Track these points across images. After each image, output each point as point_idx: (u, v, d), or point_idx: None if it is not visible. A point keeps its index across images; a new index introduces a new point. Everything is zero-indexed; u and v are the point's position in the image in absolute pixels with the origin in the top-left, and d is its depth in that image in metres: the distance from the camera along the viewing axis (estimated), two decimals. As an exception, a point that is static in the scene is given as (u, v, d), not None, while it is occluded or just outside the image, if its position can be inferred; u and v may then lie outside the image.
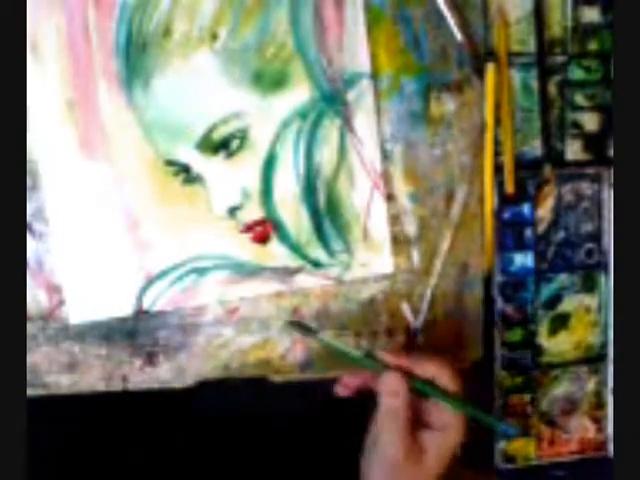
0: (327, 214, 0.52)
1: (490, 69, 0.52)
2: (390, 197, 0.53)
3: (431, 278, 0.54)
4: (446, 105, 0.53)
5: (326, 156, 0.52)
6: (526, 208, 0.55)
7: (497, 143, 0.54)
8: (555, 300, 0.57)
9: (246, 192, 0.51)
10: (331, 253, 0.53)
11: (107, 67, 0.48)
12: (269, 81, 0.50)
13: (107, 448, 0.53)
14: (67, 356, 0.52)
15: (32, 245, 0.50)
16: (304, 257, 0.53)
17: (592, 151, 0.55)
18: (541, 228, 0.55)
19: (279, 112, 0.51)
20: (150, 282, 0.51)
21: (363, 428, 0.48)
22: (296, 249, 0.52)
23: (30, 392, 0.51)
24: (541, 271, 0.56)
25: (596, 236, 0.56)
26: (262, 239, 0.52)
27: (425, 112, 0.53)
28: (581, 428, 0.59)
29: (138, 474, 0.52)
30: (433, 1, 0.51)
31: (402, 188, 0.53)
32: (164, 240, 0.51)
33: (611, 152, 0.55)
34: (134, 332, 0.52)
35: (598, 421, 0.59)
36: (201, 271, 0.52)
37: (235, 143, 0.50)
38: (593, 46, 0.54)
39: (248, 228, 0.52)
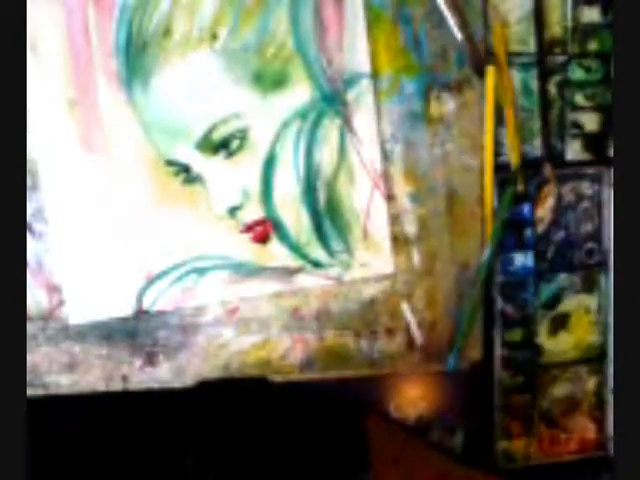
0: (327, 214, 0.52)
1: (490, 71, 0.52)
2: (390, 197, 0.53)
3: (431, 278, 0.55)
4: (446, 105, 0.53)
5: (326, 156, 0.52)
6: (526, 208, 0.55)
7: (497, 143, 0.54)
8: (555, 300, 0.57)
9: (246, 192, 0.51)
10: (331, 253, 0.53)
11: (107, 67, 0.49)
12: (269, 81, 0.50)
13: (107, 448, 0.53)
14: (67, 356, 0.52)
15: (32, 245, 0.50)
16: (304, 257, 0.53)
17: (592, 151, 0.55)
18: (541, 228, 0.55)
19: (279, 112, 0.51)
20: (150, 282, 0.51)
21: (363, 428, 0.48)
22: (296, 249, 0.52)
23: (30, 392, 0.51)
24: (541, 271, 0.56)
25: (596, 236, 0.56)
26: (262, 239, 0.52)
27: (425, 112, 0.53)
28: (581, 428, 0.59)
29: (138, 474, 0.52)
30: (433, 1, 0.51)
31: (402, 188, 0.53)
32: (164, 240, 0.51)
33: (611, 152, 0.55)
34: (134, 332, 0.52)
35: (598, 421, 0.59)
36: (201, 271, 0.52)
37: (235, 143, 0.50)
38: (593, 46, 0.54)
39: (248, 228, 0.52)
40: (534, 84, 0.54)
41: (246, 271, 0.52)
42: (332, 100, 0.51)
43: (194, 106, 0.49)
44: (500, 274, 0.55)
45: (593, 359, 0.58)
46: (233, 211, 0.51)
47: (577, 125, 0.55)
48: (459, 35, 0.51)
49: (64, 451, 0.53)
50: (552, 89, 0.54)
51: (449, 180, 0.54)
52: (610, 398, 0.58)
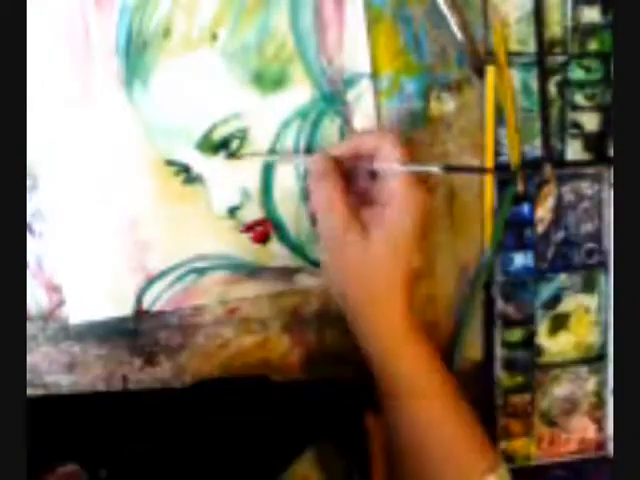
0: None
1: (490, 71, 0.52)
2: (390, 197, 0.53)
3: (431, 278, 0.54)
4: (446, 105, 0.53)
5: (326, 156, 0.52)
6: (526, 208, 0.55)
7: (497, 143, 0.54)
8: (555, 300, 0.57)
9: (246, 192, 0.51)
10: (331, 253, 0.53)
11: (107, 67, 0.48)
12: (269, 81, 0.50)
13: (107, 448, 0.53)
14: (67, 356, 0.52)
15: (32, 245, 0.50)
16: (304, 257, 0.53)
17: (592, 151, 0.55)
18: (541, 228, 0.55)
19: (279, 112, 0.51)
20: (150, 282, 0.51)
21: (362, 428, 0.48)
22: (296, 249, 0.52)
23: (30, 392, 0.51)
24: (541, 271, 0.56)
25: (596, 236, 0.56)
26: (262, 239, 0.52)
27: (425, 112, 0.53)
28: (581, 428, 0.59)
29: (138, 474, 0.52)
30: (433, 1, 0.51)
31: (402, 188, 0.53)
32: (164, 240, 0.51)
33: (611, 152, 0.55)
34: (134, 332, 0.52)
35: (598, 421, 0.59)
36: (201, 271, 0.52)
37: (235, 143, 0.50)
38: (593, 46, 0.54)
39: (248, 228, 0.52)
40: (534, 84, 0.54)
41: (246, 271, 0.52)
42: (332, 100, 0.51)
43: (194, 106, 0.49)
44: (500, 274, 0.55)
45: (593, 359, 0.58)
46: (233, 211, 0.51)
47: (577, 125, 0.55)
48: (459, 35, 0.51)
49: (64, 451, 0.53)
50: (552, 89, 0.54)
51: (449, 180, 0.54)
52: (610, 398, 0.58)
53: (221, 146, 0.50)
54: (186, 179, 0.51)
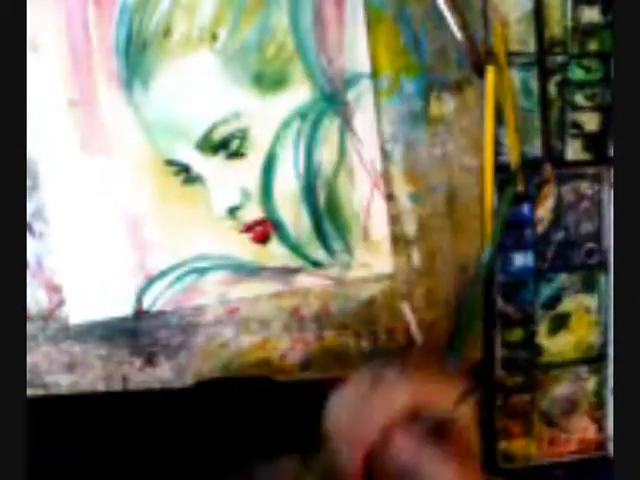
0: (327, 214, 0.52)
1: (490, 71, 0.52)
2: (390, 197, 0.53)
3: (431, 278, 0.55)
4: (446, 105, 0.53)
5: (326, 156, 0.52)
6: (526, 208, 0.55)
7: (497, 143, 0.54)
8: (555, 300, 0.57)
9: (246, 192, 0.51)
10: (331, 253, 0.53)
11: (107, 67, 0.49)
12: (269, 81, 0.50)
13: (107, 448, 0.53)
14: (67, 356, 0.52)
15: (32, 245, 0.50)
16: (304, 257, 0.53)
17: (592, 151, 0.55)
18: (541, 228, 0.55)
19: (279, 112, 0.51)
20: (150, 282, 0.51)
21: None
22: (296, 249, 0.52)
23: (30, 392, 0.51)
24: (541, 271, 0.56)
25: (596, 236, 0.56)
26: (262, 239, 0.52)
27: (425, 112, 0.53)
28: (581, 428, 0.59)
29: (138, 474, 0.52)
30: (433, 1, 0.51)
31: (402, 188, 0.53)
32: (164, 240, 0.51)
33: (611, 152, 0.55)
34: (134, 332, 0.52)
35: (598, 421, 0.59)
36: (201, 271, 0.52)
37: (235, 143, 0.50)
38: (593, 46, 0.54)
39: (248, 228, 0.52)
40: (534, 84, 0.54)
41: (246, 271, 0.52)
42: (332, 100, 0.51)
43: (194, 106, 0.49)
44: (500, 274, 0.55)
45: (593, 359, 0.58)
46: (233, 211, 0.51)
47: (577, 125, 0.55)
48: (459, 35, 0.51)
49: (64, 451, 0.53)
50: (552, 89, 0.54)
51: (449, 180, 0.54)
52: (610, 398, 0.58)
53: (221, 146, 0.50)
54: (186, 179, 0.51)
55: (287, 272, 0.53)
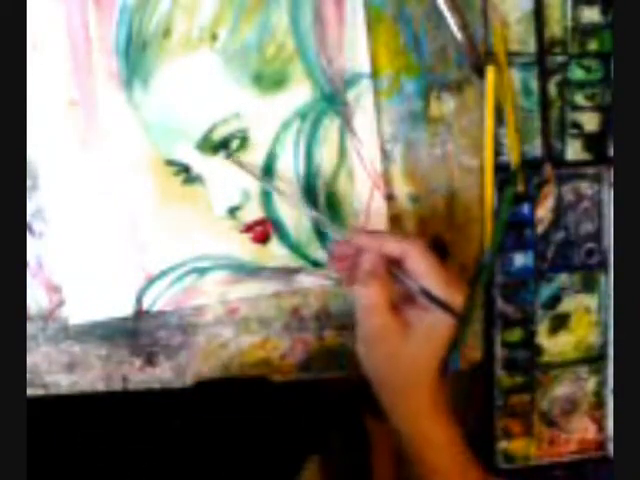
0: (327, 214, 0.52)
1: (490, 71, 0.52)
2: (390, 197, 0.53)
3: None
4: (446, 105, 0.53)
5: (326, 156, 0.52)
6: (526, 208, 0.55)
7: (497, 143, 0.54)
8: (555, 300, 0.57)
9: (246, 192, 0.51)
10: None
11: (107, 67, 0.48)
12: (269, 81, 0.50)
13: (107, 448, 0.53)
14: (67, 356, 0.52)
15: (32, 245, 0.50)
16: (304, 257, 0.53)
17: (592, 151, 0.55)
18: (541, 228, 0.55)
19: (279, 112, 0.51)
20: (150, 282, 0.51)
21: (363, 427, 0.48)
22: (296, 249, 0.52)
23: (30, 392, 0.51)
24: (541, 271, 0.56)
25: (596, 236, 0.56)
26: (262, 239, 0.52)
27: (425, 112, 0.53)
28: (581, 428, 0.59)
29: (138, 474, 0.52)
30: (433, 1, 0.51)
31: (402, 188, 0.53)
32: (164, 240, 0.51)
33: (611, 152, 0.55)
34: (134, 332, 0.52)
35: (598, 421, 0.59)
36: (201, 271, 0.52)
37: (235, 143, 0.50)
38: (593, 46, 0.54)
39: (248, 228, 0.52)
40: (534, 84, 0.54)
41: (246, 271, 0.52)
42: (332, 100, 0.51)
43: (194, 106, 0.49)
44: (500, 274, 0.55)
45: (593, 359, 0.58)
46: (233, 211, 0.51)
47: (577, 125, 0.55)
48: (459, 35, 0.51)
49: (64, 451, 0.53)
50: (552, 89, 0.54)
51: (449, 180, 0.54)
52: (610, 398, 0.58)
53: (221, 146, 0.50)
54: (186, 179, 0.51)
55: (287, 272, 0.53)
